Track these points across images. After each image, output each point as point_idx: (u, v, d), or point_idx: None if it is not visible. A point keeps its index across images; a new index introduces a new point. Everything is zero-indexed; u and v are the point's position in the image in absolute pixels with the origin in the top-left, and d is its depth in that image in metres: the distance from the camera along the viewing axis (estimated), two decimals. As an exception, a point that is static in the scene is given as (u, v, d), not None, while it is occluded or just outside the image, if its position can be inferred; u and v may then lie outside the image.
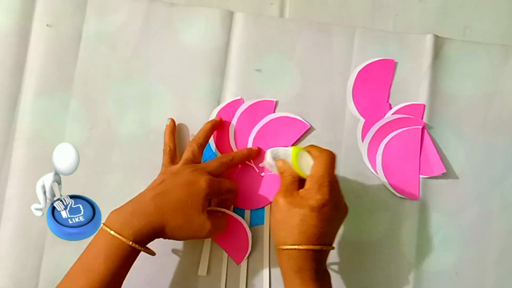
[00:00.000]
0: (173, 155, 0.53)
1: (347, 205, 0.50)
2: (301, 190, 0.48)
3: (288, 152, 0.49)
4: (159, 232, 0.46)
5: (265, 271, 0.54)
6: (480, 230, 0.56)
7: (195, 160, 0.52)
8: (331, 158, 0.48)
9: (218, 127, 0.56)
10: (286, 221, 0.47)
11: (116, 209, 0.47)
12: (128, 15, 0.57)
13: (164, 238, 0.47)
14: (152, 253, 0.47)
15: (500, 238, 0.56)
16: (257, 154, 0.55)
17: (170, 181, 0.48)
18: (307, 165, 0.48)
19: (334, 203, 0.47)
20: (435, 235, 0.55)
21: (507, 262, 0.55)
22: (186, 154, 0.52)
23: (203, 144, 0.53)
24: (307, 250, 0.46)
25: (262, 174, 0.56)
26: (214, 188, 0.49)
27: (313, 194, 0.46)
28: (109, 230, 0.45)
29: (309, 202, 0.46)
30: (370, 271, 0.54)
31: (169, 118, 0.55)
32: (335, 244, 0.54)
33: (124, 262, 0.45)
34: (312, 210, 0.46)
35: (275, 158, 0.50)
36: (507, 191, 0.56)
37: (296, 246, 0.46)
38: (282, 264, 0.47)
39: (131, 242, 0.44)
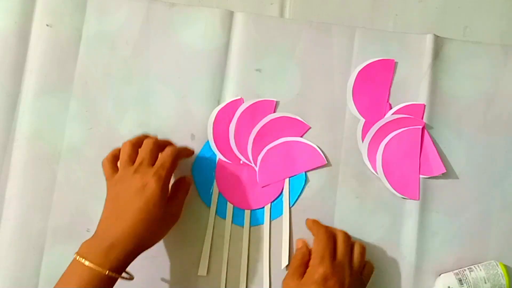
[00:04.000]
0: (116, 161, 0.51)
1: (370, 265, 0.52)
2: (307, 270, 0.49)
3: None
4: (138, 252, 0.46)
5: (265, 271, 0.54)
6: (480, 230, 0.55)
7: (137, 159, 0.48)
8: (329, 234, 0.50)
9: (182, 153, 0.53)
10: None
11: (87, 241, 0.46)
12: (128, 15, 0.57)
13: (145, 250, 0.47)
14: (131, 278, 0.46)
15: (500, 238, 0.56)
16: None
17: (122, 194, 0.47)
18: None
19: (340, 276, 0.48)
20: (435, 235, 0.55)
21: (507, 262, 0.55)
22: (126, 155, 0.49)
23: (159, 145, 0.50)
24: None
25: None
26: (165, 176, 0.47)
27: (316, 269, 0.48)
28: (83, 261, 0.43)
29: (314, 277, 0.47)
30: (370, 271, 0.54)
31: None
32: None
33: None
34: (318, 285, 0.47)
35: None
36: (507, 191, 0.56)
37: None
38: None
39: (108, 272, 0.43)
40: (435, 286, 0.54)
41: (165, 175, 0.47)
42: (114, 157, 0.51)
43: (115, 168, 0.50)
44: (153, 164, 0.48)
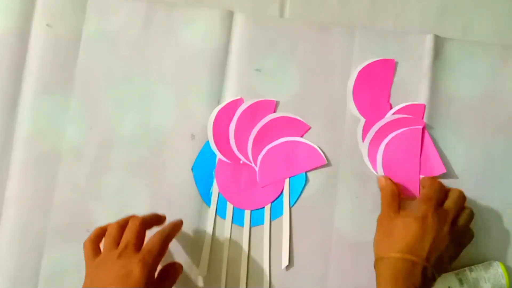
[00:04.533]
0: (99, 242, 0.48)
1: (472, 233, 0.52)
2: (409, 204, 0.50)
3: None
4: None
5: (265, 271, 0.54)
6: (480, 230, 0.55)
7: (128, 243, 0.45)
8: (442, 187, 0.51)
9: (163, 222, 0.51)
10: (389, 231, 0.48)
11: None
12: (128, 15, 0.57)
13: None
14: None
15: (500, 238, 0.56)
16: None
17: (102, 280, 0.43)
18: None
19: (441, 221, 0.48)
20: (435, 235, 0.55)
21: (507, 262, 0.55)
22: (111, 237, 0.46)
23: (146, 224, 0.48)
24: (406, 259, 0.46)
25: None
26: (151, 264, 0.44)
27: (419, 206, 0.49)
28: None
29: (414, 212, 0.48)
30: (370, 271, 0.54)
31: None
32: (333, 244, 0.55)
33: None
34: (416, 219, 0.47)
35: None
36: (507, 191, 0.56)
37: (394, 254, 0.46)
38: (379, 274, 0.47)
39: None
40: (435, 286, 0.54)
41: (152, 262, 0.44)
42: (97, 238, 0.48)
43: (97, 250, 0.47)
44: (139, 248, 0.45)
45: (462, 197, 0.51)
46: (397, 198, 0.51)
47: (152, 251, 0.45)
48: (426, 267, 0.46)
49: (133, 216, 0.49)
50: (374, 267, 0.49)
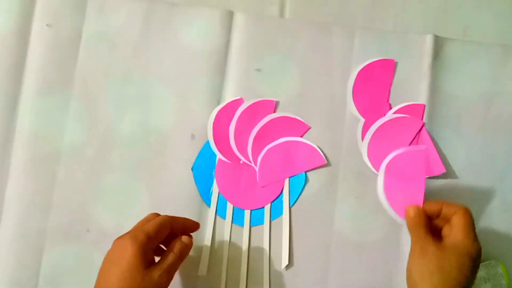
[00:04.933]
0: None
1: None
2: (452, 238, 0.46)
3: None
4: None
5: (265, 271, 0.54)
6: (480, 230, 0.55)
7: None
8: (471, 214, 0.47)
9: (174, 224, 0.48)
10: (442, 267, 0.44)
11: None
12: (128, 15, 0.57)
13: None
14: None
15: (500, 238, 0.56)
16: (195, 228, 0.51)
17: (106, 265, 0.43)
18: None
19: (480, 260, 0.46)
20: (435, 235, 0.55)
21: (507, 262, 0.55)
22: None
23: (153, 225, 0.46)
24: None
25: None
26: (142, 239, 0.43)
27: (471, 243, 0.45)
28: None
29: (469, 250, 0.45)
30: (370, 271, 0.54)
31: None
32: (333, 244, 0.55)
33: None
34: (471, 260, 0.44)
35: None
36: (507, 191, 0.56)
37: None
38: None
39: None
40: None
41: (143, 237, 0.43)
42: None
43: None
44: None
45: None
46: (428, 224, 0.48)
47: (145, 229, 0.44)
48: None
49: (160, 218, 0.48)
50: None
